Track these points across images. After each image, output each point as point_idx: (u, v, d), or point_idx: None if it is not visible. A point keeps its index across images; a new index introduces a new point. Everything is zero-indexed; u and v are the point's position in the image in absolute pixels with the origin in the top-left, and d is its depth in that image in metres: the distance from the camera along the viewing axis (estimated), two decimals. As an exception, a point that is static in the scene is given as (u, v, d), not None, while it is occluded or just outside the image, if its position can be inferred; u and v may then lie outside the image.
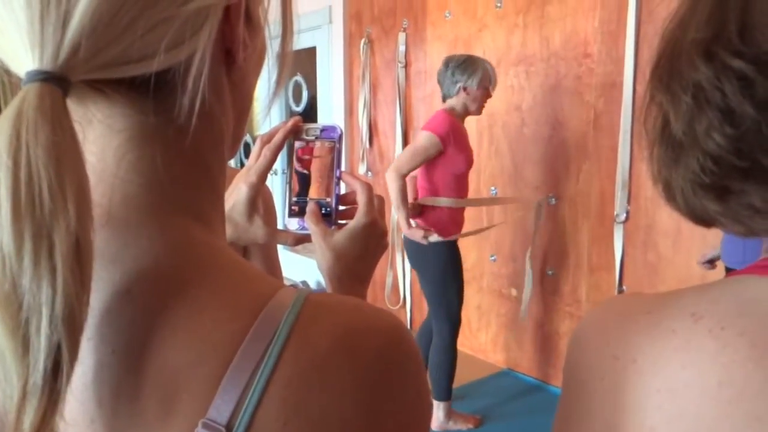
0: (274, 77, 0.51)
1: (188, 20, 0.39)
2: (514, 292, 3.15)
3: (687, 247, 2.41)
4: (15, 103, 0.35)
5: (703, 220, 0.49)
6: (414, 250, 2.67)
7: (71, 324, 0.34)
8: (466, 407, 2.84)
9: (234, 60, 0.46)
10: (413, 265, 2.75)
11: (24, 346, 0.33)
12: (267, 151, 0.70)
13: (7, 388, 0.34)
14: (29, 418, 0.33)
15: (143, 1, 0.37)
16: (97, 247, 0.37)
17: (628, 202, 2.58)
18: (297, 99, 4.57)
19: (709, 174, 0.45)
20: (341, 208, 0.72)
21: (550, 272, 2.99)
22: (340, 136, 0.71)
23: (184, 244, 0.43)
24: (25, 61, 0.36)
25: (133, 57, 0.37)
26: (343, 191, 0.72)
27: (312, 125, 0.72)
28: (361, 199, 0.69)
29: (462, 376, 2.84)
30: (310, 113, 4.47)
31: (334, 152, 0.71)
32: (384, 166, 3.88)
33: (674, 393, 0.43)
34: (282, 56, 0.49)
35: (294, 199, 0.72)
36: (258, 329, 0.38)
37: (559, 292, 2.97)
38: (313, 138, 0.71)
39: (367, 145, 3.97)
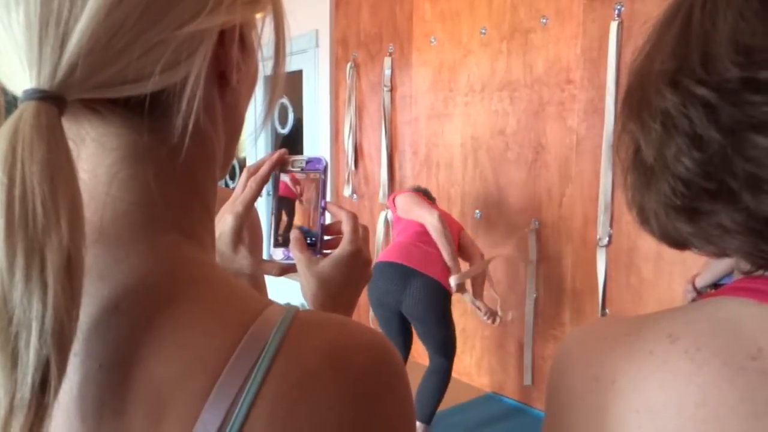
0: (262, 99, 0.52)
1: (183, 43, 0.40)
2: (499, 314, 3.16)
3: (669, 270, 2.44)
4: (11, 121, 0.35)
5: (676, 242, 0.51)
6: (421, 297, 2.64)
7: (61, 339, 0.34)
8: (451, 431, 2.82)
9: (227, 82, 0.47)
10: (418, 316, 2.69)
11: (13, 360, 0.34)
12: (253, 183, 0.72)
13: None
14: None
15: (140, 24, 0.37)
16: (87, 263, 0.37)
17: (611, 225, 2.61)
18: (283, 121, 4.59)
19: (680, 196, 0.46)
20: (326, 238, 0.73)
21: (533, 295, 3.00)
22: (325, 168, 0.73)
23: (174, 260, 0.43)
24: (22, 79, 0.37)
25: (128, 78, 0.38)
26: (327, 222, 0.73)
27: (297, 157, 0.73)
28: (346, 228, 0.70)
29: (446, 400, 2.81)
30: (295, 136, 4.48)
31: (319, 183, 0.73)
32: (369, 189, 3.90)
33: (653, 413, 0.44)
34: (274, 79, 0.50)
35: (279, 229, 0.74)
36: (246, 345, 0.38)
37: (543, 315, 2.98)
38: (299, 169, 0.73)
39: (353, 168, 3.98)
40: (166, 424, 0.37)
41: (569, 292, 2.85)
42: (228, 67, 0.46)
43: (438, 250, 2.70)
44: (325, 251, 0.72)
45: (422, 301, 2.64)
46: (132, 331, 0.39)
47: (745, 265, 0.48)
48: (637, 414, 0.45)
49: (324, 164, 0.73)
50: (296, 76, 4.31)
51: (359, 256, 0.69)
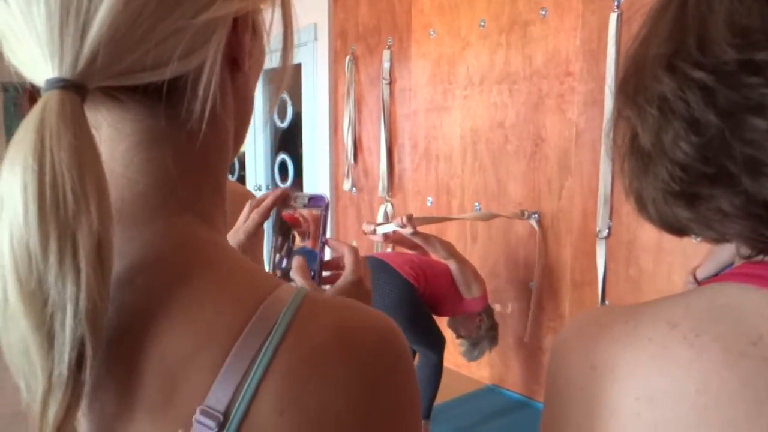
0: (262, 92, 0.54)
1: (200, 30, 0.41)
2: (497, 307, 3.16)
3: (668, 261, 2.44)
4: (37, 110, 0.37)
5: (675, 228, 0.51)
6: (374, 282, 2.58)
7: (94, 318, 0.36)
8: (450, 424, 2.83)
9: (239, 67, 0.48)
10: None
11: (49, 340, 0.36)
12: (255, 215, 0.75)
13: (31, 381, 0.36)
14: (53, 410, 0.36)
15: (158, 13, 0.39)
16: None
17: (610, 217, 2.61)
18: (282, 115, 4.58)
19: (678, 181, 0.46)
20: (325, 273, 0.75)
21: (533, 287, 3.00)
22: (327, 205, 0.75)
23: (188, 239, 0.45)
24: (44, 69, 0.38)
25: (147, 65, 0.40)
26: (327, 258, 0.75)
27: (300, 194, 0.76)
28: (348, 259, 0.72)
29: (446, 392, 2.83)
30: (294, 129, 4.47)
31: (321, 220, 0.74)
32: (369, 182, 3.89)
33: (652, 401, 0.44)
34: (283, 68, 0.52)
35: (280, 264, 0.75)
36: (257, 322, 0.40)
37: (542, 307, 2.98)
38: (301, 206, 0.75)
39: (352, 162, 3.98)
40: (178, 397, 0.39)
41: (569, 284, 2.85)
42: (240, 54, 0.47)
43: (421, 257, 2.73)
44: (324, 286, 0.74)
45: (375, 287, 2.54)
46: (146, 306, 0.41)
47: (745, 250, 0.48)
48: (636, 401, 0.45)
49: (326, 202, 0.75)
50: (295, 70, 4.30)
51: (361, 285, 0.72)
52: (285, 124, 4.58)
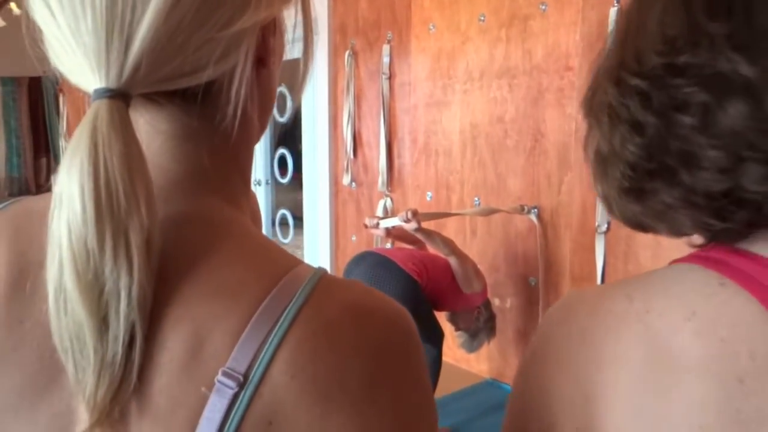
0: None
1: (230, 39, 0.45)
2: (497, 301, 3.17)
3: (666, 257, 2.42)
4: (89, 119, 0.41)
5: (635, 223, 0.57)
6: (369, 273, 2.55)
7: (144, 305, 0.41)
8: (450, 417, 2.84)
9: (264, 65, 0.53)
10: None
11: (104, 325, 0.40)
12: None
13: (81, 361, 0.40)
14: (106, 384, 0.40)
15: (192, 25, 0.43)
16: None
17: (609, 212, 2.61)
18: (281, 110, 4.57)
19: (628, 179, 0.52)
20: None
21: (532, 282, 3.01)
22: None
23: (215, 216, 0.49)
24: (91, 79, 0.42)
25: (185, 72, 0.44)
26: None
27: None
28: None
29: (445, 386, 2.84)
30: (294, 124, 4.47)
31: None
32: (368, 177, 3.90)
33: (610, 364, 0.50)
34: (305, 61, 0.58)
35: None
36: (277, 294, 0.43)
37: (541, 302, 2.99)
38: None
39: (352, 156, 3.98)
40: (203, 358, 0.42)
41: (568, 279, 2.86)
42: (266, 54, 0.52)
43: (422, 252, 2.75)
44: None
45: (367, 276, 2.52)
46: (176, 273, 0.44)
47: (698, 239, 0.54)
48: (594, 364, 0.51)
49: None
50: (294, 65, 4.27)
51: None
52: (284, 119, 4.57)
